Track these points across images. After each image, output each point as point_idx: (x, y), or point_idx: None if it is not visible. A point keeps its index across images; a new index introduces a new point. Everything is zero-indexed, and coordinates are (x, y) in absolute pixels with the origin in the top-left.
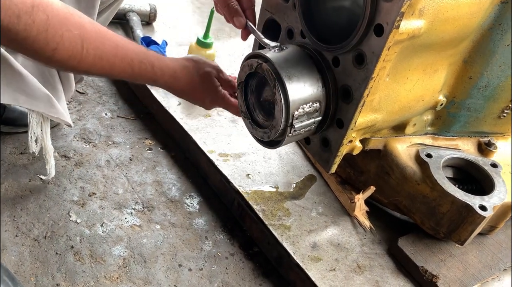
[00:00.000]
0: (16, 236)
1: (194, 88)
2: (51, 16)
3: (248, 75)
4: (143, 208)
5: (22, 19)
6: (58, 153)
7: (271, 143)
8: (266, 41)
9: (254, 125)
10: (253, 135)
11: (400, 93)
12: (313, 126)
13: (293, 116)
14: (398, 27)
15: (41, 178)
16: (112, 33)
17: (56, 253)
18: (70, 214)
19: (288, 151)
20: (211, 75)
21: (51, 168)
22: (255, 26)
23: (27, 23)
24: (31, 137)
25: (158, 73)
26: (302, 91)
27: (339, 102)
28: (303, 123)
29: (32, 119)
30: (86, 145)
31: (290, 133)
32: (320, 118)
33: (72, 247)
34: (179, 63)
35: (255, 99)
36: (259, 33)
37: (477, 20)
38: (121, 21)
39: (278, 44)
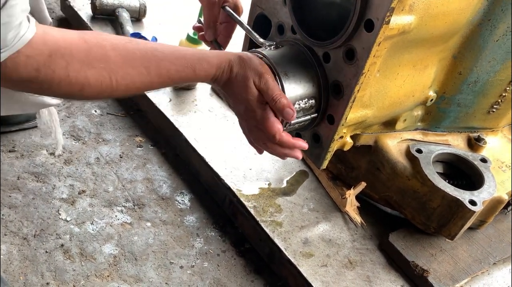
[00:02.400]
0: (5, 235)
1: (230, 87)
2: (71, 60)
3: None
4: (134, 205)
5: (42, 71)
6: (47, 150)
7: None
8: (262, 40)
9: None
10: None
11: (391, 88)
12: (308, 122)
13: None
14: (388, 22)
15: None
16: (138, 47)
17: (46, 252)
18: (60, 212)
19: None
20: (249, 78)
21: (59, 143)
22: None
23: (47, 73)
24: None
25: (202, 75)
26: (298, 87)
27: (330, 98)
28: (299, 119)
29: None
30: (76, 143)
31: (285, 127)
32: (316, 114)
33: (62, 245)
34: (225, 58)
35: None
36: (254, 33)
37: (467, 15)
38: (110, 17)
39: (274, 42)
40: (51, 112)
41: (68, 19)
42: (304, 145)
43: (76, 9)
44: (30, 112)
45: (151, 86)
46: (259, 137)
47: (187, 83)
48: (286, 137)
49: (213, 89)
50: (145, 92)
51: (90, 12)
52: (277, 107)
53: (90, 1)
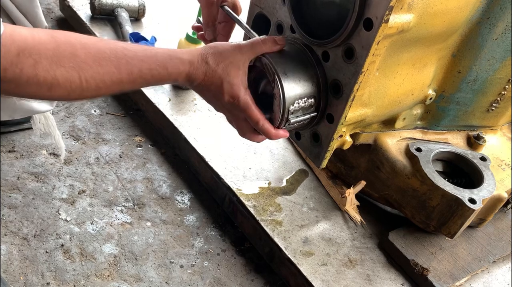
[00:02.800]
0: (5, 235)
1: (210, 81)
2: (39, 58)
3: None
4: (134, 205)
5: (9, 71)
6: (46, 150)
7: None
8: None
9: None
10: None
11: (390, 87)
12: (307, 121)
13: (288, 110)
14: (387, 21)
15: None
16: (109, 47)
17: (46, 252)
18: (60, 212)
19: (279, 146)
20: (233, 62)
21: (61, 148)
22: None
23: (15, 72)
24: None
25: (174, 73)
26: (297, 87)
27: (330, 97)
28: (299, 118)
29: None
30: (75, 143)
31: (284, 126)
32: (315, 113)
33: (62, 245)
34: (196, 53)
35: (252, 93)
36: (253, 32)
37: (466, 14)
38: (109, 17)
39: None
40: (47, 117)
41: (67, 19)
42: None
43: (75, 9)
44: (20, 118)
45: (122, 86)
46: (246, 127)
47: (163, 83)
48: (268, 124)
49: None
50: (144, 92)
51: (89, 12)
52: (260, 129)
53: (89, 1)
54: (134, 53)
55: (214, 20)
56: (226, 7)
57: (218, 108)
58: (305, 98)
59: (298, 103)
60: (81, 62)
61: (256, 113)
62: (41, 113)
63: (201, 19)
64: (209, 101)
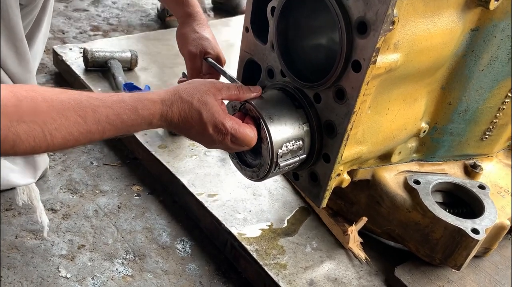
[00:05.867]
0: None
1: (189, 117)
2: None
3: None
4: (134, 257)
5: None
6: (44, 206)
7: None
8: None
9: (242, 164)
10: (241, 173)
11: (383, 124)
12: (298, 163)
13: (277, 154)
14: (375, 62)
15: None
16: (73, 97)
17: None
18: (60, 269)
19: (278, 186)
20: (208, 92)
21: (44, 224)
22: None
23: None
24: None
25: (146, 115)
26: (283, 130)
27: (324, 137)
28: (288, 161)
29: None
30: (73, 196)
31: (274, 170)
32: (304, 155)
33: None
34: (169, 91)
35: None
36: (238, 82)
37: (451, 48)
38: (102, 69)
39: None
40: (31, 189)
41: (61, 73)
42: None
43: (68, 63)
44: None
45: (91, 136)
46: (236, 149)
47: (139, 128)
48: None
49: None
50: (140, 140)
51: (82, 65)
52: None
53: (82, 55)
54: (100, 101)
55: (198, 73)
56: (210, 59)
57: (207, 145)
58: (293, 141)
59: (287, 146)
60: (43, 116)
61: (247, 133)
62: (22, 186)
63: (186, 72)
64: (195, 139)
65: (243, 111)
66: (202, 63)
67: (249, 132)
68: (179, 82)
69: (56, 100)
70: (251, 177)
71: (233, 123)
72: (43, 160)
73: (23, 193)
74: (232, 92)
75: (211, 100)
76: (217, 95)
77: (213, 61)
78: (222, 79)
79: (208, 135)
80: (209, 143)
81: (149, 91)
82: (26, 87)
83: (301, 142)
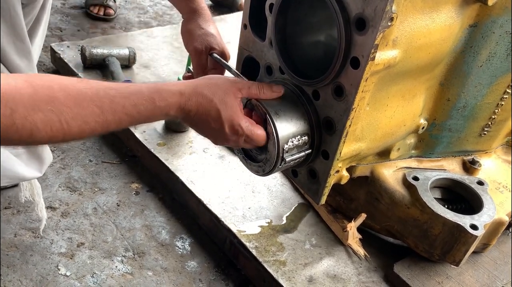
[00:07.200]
0: None
1: (206, 113)
2: (15, 106)
3: None
4: (134, 254)
5: None
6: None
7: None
8: None
9: (247, 159)
10: (246, 167)
11: (382, 120)
12: (303, 158)
13: (283, 149)
14: (373, 58)
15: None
16: (90, 87)
17: None
18: (59, 267)
19: (277, 183)
20: (229, 92)
21: (42, 219)
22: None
23: None
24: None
25: (163, 106)
26: (289, 125)
27: (323, 134)
28: (294, 157)
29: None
30: (72, 194)
31: (280, 165)
32: (310, 150)
33: None
34: (190, 83)
35: None
36: (243, 77)
37: (449, 44)
38: (100, 66)
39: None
40: (34, 185)
41: (59, 71)
42: None
43: (66, 61)
44: (5, 185)
45: (107, 126)
46: (245, 147)
47: (156, 118)
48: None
49: None
50: (138, 138)
51: (80, 62)
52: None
53: (79, 52)
54: (117, 91)
55: (204, 68)
56: (215, 55)
57: (218, 142)
58: (299, 136)
59: (292, 141)
60: (60, 105)
61: (260, 134)
62: (28, 180)
63: (191, 68)
64: (207, 135)
65: (249, 107)
66: (208, 58)
67: (261, 133)
68: (184, 77)
69: (73, 89)
70: (256, 172)
71: (248, 125)
72: (48, 155)
73: (26, 189)
74: (252, 91)
75: (231, 100)
76: (237, 94)
77: (219, 57)
78: (227, 73)
79: (223, 133)
80: (221, 141)
81: (168, 82)
82: (42, 76)
83: (306, 137)
